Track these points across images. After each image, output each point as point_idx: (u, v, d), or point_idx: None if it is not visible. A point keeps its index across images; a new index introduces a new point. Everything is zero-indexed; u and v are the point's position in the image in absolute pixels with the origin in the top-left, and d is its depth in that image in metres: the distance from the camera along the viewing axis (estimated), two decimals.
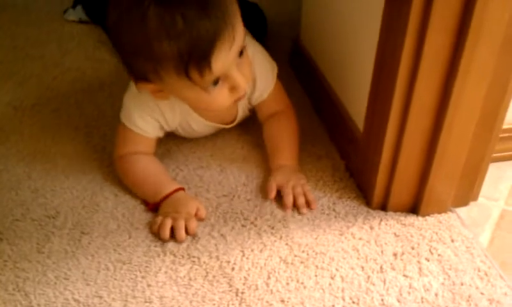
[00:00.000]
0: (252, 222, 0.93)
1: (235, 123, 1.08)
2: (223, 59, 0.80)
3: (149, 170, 0.99)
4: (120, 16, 0.79)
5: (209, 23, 0.76)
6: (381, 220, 0.94)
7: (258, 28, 1.17)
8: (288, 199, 0.95)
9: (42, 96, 1.26)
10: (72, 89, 1.29)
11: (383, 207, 0.95)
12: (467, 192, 0.96)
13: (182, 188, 0.96)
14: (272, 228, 0.92)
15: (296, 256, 0.87)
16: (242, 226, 0.92)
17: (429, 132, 0.85)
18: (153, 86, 0.87)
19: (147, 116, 0.97)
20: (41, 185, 1.01)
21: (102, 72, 1.35)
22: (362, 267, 0.85)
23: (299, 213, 0.94)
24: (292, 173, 1.00)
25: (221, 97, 0.86)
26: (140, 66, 0.83)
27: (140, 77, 0.86)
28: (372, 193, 0.94)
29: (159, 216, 0.91)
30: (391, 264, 0.86)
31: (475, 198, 0.98)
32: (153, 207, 0.94)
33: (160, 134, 1.02)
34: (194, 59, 0.77)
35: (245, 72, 0.87)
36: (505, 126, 0.92)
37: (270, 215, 0.94)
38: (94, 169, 1.04)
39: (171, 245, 0.88)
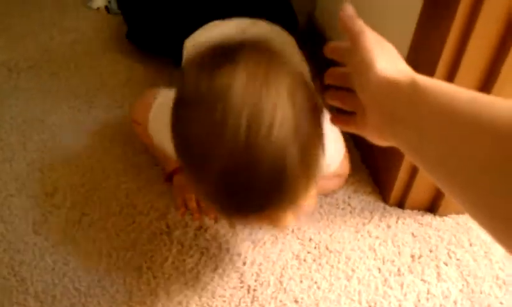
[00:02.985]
0: None
1: None
2: None
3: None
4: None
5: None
6: (398, 218, 0.89)
7: (288, 22, 1.04)
8: None
9: (39, 58, 1.18)
10: (71, 51, 1.21)
11: (400, 204, 0.91)
12: None
13: None
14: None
15: (308, 252, 0.82)
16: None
17: None
18: None
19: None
20: (38, 157, 0.94)
21: (103, 34, 1.26)
22: (379, 269, 0.81)
23: None
24: None
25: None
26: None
27: None
28: (390, 189, 0.89)
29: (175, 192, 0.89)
30: (409, 267, 0.82)
31: None
32: (167, 177, 0.90)
33: None
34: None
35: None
36: None
37: None
38: (95, 144, 0.97)
39: (178, 233, 0.83)
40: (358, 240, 0.85)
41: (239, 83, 0.50)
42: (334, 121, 0.61)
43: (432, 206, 0.91)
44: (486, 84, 0.73)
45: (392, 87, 0.49)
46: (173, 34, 1.05)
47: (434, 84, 0.46)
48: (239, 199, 0.54)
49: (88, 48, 1.21)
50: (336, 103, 0.60)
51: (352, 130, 0.59)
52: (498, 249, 0.86)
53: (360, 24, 0.55)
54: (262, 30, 0.93)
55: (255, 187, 0.52)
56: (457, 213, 0.91)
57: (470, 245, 0.86)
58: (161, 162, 0.93)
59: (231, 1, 1.06)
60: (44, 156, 0.94)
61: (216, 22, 0.99)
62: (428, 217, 0.90)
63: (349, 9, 0.58)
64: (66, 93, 1.09)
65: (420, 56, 0.77)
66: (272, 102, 0.50)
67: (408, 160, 0.84)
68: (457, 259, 0.84)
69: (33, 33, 1.25)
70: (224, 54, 0.54)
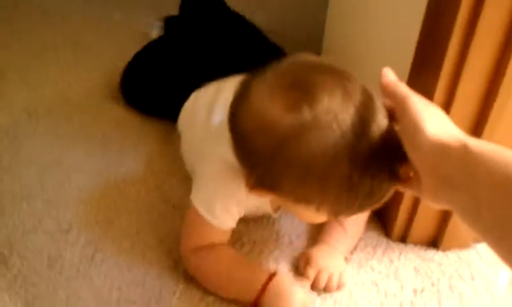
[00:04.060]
0: (266, 245, 0.91)
1: None
2: None
3: (232, 263, 0.84)
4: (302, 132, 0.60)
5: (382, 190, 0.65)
6: (401, 253, 0.91)
7: None
8: (319, 285, 0.84)
9: (57, 103, 1.24)
10: (86, 97, 1.27)
11: (403, 239, 0.93)
12: None
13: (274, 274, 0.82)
14: (282, 251, 0.90)
15: None
16: (251, 249, 0.90)
17: None
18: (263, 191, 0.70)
19: (231, 205, 0.81)
20: (54, 197, 0.98)
21: (114, 81, 1.31)
22: (381, 303, 0.83)
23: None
24: (337, 258, 0.88)
25: (324, 218, 0.75)
26: (283, 183, 0.66)
27: (259, 183, 0.69)
28: (392, 224, 0.92)
29: None
30: (411, 301, 0.83)
31: None
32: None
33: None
34: (351, 212, 0.67)
35: None
36: None
37: (275, 241, 0.92)
38: (108, 185, 1.02)
39: (184, 267, 0.86)
40: (361, 275, 0.87)
41: (339, 102, 0.59)
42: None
43: (435, 241, 0.93)
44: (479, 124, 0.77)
45: (444, 151, 0.49)
46: (169, 96, 1.11)
47: (487, 149, 0.46)
48: (367, 193, 0.62)
49: (102, 94, 1.27)
50: None
51: (408, 191, 0.63)
52: (499, 283, 0.88)
53: (404, 88, 0.57)
54: None
55: (379, 178, 0.61)
56: (460, 248, 0.93)
57: (472, 279, 0.88)
58: (238, 293, 0.82)
59: (222, 61, 1.13)
60: (60, 195, 0.99)
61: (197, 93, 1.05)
62: (431, 252, 0.92)
63: (390, 74, 0.60)
64: (82, 136, 1.14)
65: None
66: (365, 105, 0.60)
67: (409, 196, 0.87)
68: (459, 293, 0.85)
69: (51, 81, 1.32)
70: (312, 85, 0.61)
